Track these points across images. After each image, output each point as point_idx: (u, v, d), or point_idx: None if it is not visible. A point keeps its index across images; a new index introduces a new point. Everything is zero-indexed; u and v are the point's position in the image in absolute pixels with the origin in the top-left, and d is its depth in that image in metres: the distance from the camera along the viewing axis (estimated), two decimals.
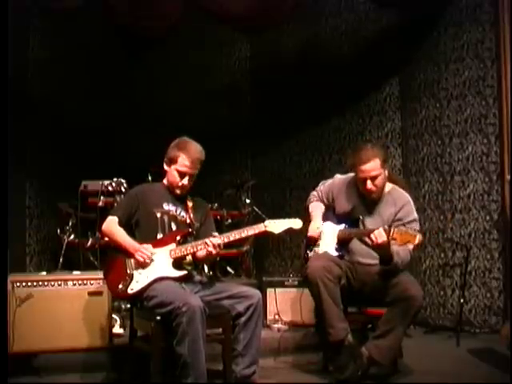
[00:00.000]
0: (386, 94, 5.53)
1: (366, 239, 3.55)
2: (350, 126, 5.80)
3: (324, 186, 3.98)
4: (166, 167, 3.50)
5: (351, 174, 3.86)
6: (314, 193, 4.02)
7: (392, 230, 3.36)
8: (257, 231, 3.37)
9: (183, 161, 3.40)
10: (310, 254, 3.76)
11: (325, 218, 3.85)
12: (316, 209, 3.92)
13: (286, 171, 6.35)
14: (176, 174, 3.44)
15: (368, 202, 3.73)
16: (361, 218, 3.68)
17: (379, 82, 5.54)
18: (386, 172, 3.67)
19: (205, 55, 6.49)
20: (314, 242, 3.78)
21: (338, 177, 3.99)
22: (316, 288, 3.48)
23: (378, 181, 3.62)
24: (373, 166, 3.58)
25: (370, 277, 3.64)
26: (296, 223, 3.40)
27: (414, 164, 5.24)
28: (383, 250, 3.47)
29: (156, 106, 6.23)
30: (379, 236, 3.38)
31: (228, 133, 6.36)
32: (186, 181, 3.43)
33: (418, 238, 3.30)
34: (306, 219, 3.82)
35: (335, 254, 3.69)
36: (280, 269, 6.14)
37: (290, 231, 3.40)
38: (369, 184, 3.61)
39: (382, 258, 3.55)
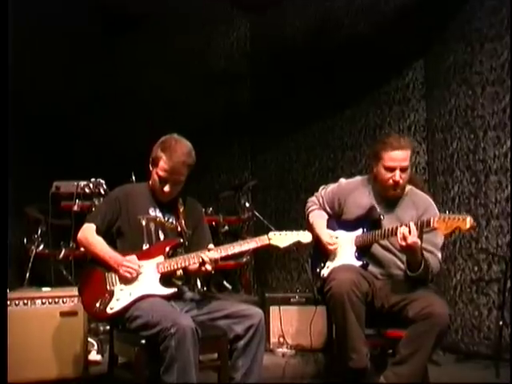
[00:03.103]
0: (408, 80, 5.50)
1: (393, 240, 3.55)
2: (366, 117, 5.78)
3: (326, 192, 3.99)
4: (150, 167, 3.48)
5: (358, 177, 3.92)
6: (313, 199, 4.03)
7: (432, 220, 3.34)
8: (259, 244, 3.37)
9: (163, 164, 3.38)
10: (323, 271, 3.74)
11: (328, 227, 3.87)
12: (318, 218, 3.92)
13: (292, 170, 6.34)
14: (156, 179, 3.43)
15: (385, 204, 3.74)
16: (381, 216, 3.67)
17: (400, 66, 5.52)
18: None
19: (197, 36, 6.48)
20: (327, 255, 3.76)
21: (344, 181, 4.00)
22: (341, 305, 3.44)
23: (406, 175, 3.65)
24: (404, 156, 3.62)
25: (391, 290, 3.62)
26: (305, 236, 3.41)
27: (442, 162, 5.21)
28: (413, 251, 3.44)
29: (141, 96, 6.24)
30: (410, 231, 3.36)
31: (225, 126, 6.37)
32: (167, 188, 3.41)
33: (469, 221, 3.25)
34: (308, 230, 3.82)
35: (358, 263, 3.68)
36: (285, 283, 6.13)
37: (297, 245, 3.40)
38: (397, 175, 3.62)
39: (411, 263, 3.52)
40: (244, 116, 6.45)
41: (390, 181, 3.64)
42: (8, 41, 3.22)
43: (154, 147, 3.46)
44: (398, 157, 3.62)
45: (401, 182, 3.64)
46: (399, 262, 3.66)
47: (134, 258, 3.34)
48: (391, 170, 3.63)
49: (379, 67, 5.50)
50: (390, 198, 3.74)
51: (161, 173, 3.39)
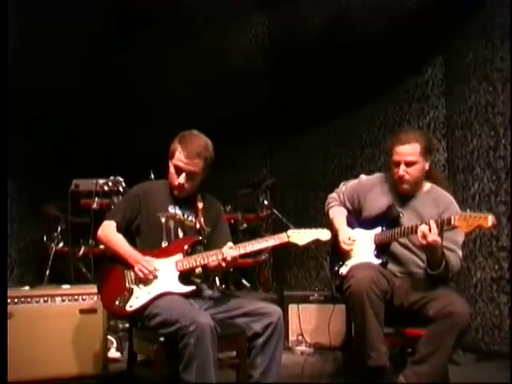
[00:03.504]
0: (427, 77, 5.48)
1: (412, 238, 3.55)
2: (385, 115, 5.77)
3: (347, 188, 3.99)
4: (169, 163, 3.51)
5: (378, 174, 3.92)
6: (334, 195, 4.03)
7: (452, 218, 3.34)
8: (278, 242, 3.38)
9: (179, 154, 3.40)
10: (342, 269, 3.75)
11: (347, 224, 3.87)
12: (338, 215, 3.93)
13: (310, 168, 6.34)
14: (173, 171, 3.45)
15: (404, 201, 3.74)
16: (401, 215, 3.67)
17: (420, 63, 5.49)
18: (427, 166, 3.69)
19: (213, 33, 6.48)
20: (346, 255, 3.77)
21: (364, 177, 4.00)
22: (360, 303, 3.44)
23: (413, 170, 3.65)
24: (410, 150, 3.63)
25: (411, 288, 3.62)
26: (324, 234, 3.41)
27: (462, 159, 5.19)
28: (434, 249, 3.44)
29: (159, 94, 6.25)
30: (430, 228, 3.36)
31: (243, 124, 6.37)
32: (182, 179, 3.42)
33: (491, 219, 3.25)
34: (328, 227, 3.82)
35: (377, 261, 3.68)
36: (304, 281, 6.13)
37: (316, 243, 3.41)
38: (401, 169, 3.64)
39: (431, 261, 3.52)
40: (262, 114, 6.45)
41: (397, 176, 3.67)
42: (7, 37, 3.21)
43: (173, 141, 3.49)
44: (402, 151, 3.64)
45: (406, 177, 3.65)
46: (418, 261, 3.65)
47: (152, 260, 3.36)
48: (397, 164, 3.66)
49: (398, 64, 5.48)
50: (407, 194, 3.74)
51: (176, 162, 3.41)
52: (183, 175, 3.42)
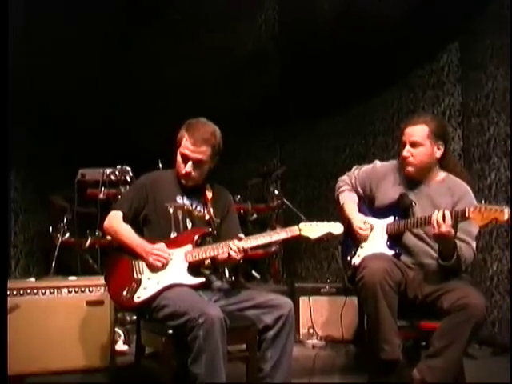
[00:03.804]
0: (443, 63, 5.44)
1: (426, 228, 3.54)
2: (398, 102, 5.74)
3: (360, 172, 3.97)
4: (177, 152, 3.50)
5: (393, 161, 3.90)
6: (345, 178, 4.02)
7: (467, 210, 3.32)
8: (289, 235, 3.37)
9: (186, 142, 3.40)
10: (355, 259, 3.73)
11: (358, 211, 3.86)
12: (349, 200, 3.92)
13: (322, 157, 6.32)
14: (180, 159, 3.44)
15: (418, 190, 3.72)
16: (414, 204, 3.66)
17: (435, 48, 5.46)
18: (437, 152, 3.67)
19: (223, 18, 6.46)
20: (357, 242, 3.76)
21: (379, 163, 3.99)
22: (373, 295, 3.43)
23: (418, 152, 3.64)
24: (416, 131, 3.64)
25: (425, 280, 3.60)
26: (336, 228, 3.40)
27: (478, 148, 5.16)
28: (447, 240, 3.42)
29: (167, 83, 6.23)
30: (444, 218, 3.34)
31: (253, 112, 6.34)
32: (189, 167, 3.41)
33: (507, 212, 3.22)
34: (338, 212, 3.81)
35: (390, 252, 3.66)
36: (315, 273, 6.13)
37: (328, 236, 3.40)
38: (405, 150, 3.66)
39: (443, 252, 3.50)
40: (272, 102, 6.43)
41: (401, 157, 3.69)
42: (7, 26, 3.21)
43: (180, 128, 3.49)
44: (409, 132, 3.67)
45: (410, 158, 3.66)
46: (432, 251, 3.63)
47: (163, 245, 3.36)
48: (404, 145, 3.68)
49: (412, 50, 5.44)
50: (416, 180, 3.72)
51: (183, 150, 3.41)
52: (190, 163, 3.41)
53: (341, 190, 3.99)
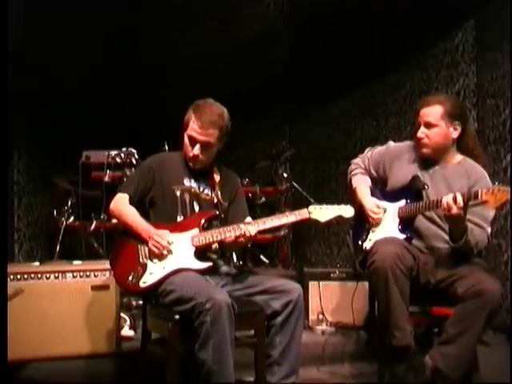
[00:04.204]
0: (457, 42, 5.40)
1: (438, 211, 3.53)
2: (411, 82, 5.71)
3: (373, 153, 3.97)
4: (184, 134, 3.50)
5: (408, 142, 3.90)
6: (358, 161, 4.01)
7: (480, 192, 3.30)
8: (299, 218, 3.36)
9: (193, 124, 3.40)
10: (366, 243, 3.73)
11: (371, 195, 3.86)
12: (362, 184, 3.91)
13: (332, 139, 6.32)
14: (187, 141, 3.45)
15: (433, 172, 3.72)
16: (426, 187, 3.66)
17: (449, 27, 5.42)
18: (453, 133, 3.65)
19: None
20: (369, 226, 3.76)
21: (393, 144, 3.98)
22: (384, 280, 3.43)
23: (433, 133, 3.64)
24: (430, 112, 3.64)
25: (437, 265, 3.60)
26: (347, 211, 3.39)
27: (493, 129, 5.14)
28: (456, 221, 3.42)
29: (173, 62, 6.21)
30: (455, 201, 3.33)
31: (261, 93, 6.33)
32: (196, 150, 3.42)
33: None
34: (350, 196, 3.81)
35: (401, 236, 3.66)
36: (325, 258, 6.14)
37: (338, 219, 3.40)
38: (420, 131, 3.66)
39: (453, 233, 3.50)
40: (281, 82, 6.41)
41: (416, 138, 3.70)
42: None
43: (188, 110, 3.48)
44: (423, 112, 3.67)
45: (425, 140, 3.65)
46: (444, 235, 3.61)
47: (166, 233, 3.36)
48: (419, 126, 3.68)
49: (426, 28, 5.39)
50: (431, 160, 3.72)
51: (190, 133, 3.41)
52: (198, 146, 3.41)
53: (353, 173, 3.98)
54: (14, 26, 4.87)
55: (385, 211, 3.74)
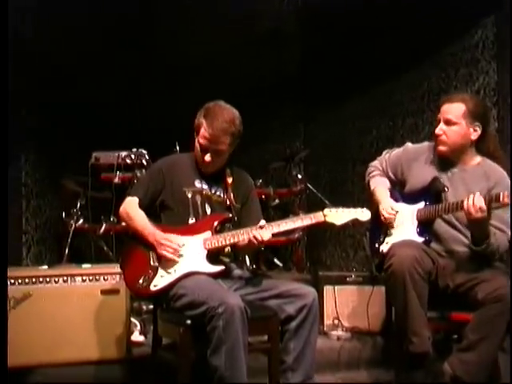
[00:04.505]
0: (477, 39, 5.36)
1: (458, 215, 3.52)
2: (429, 81, 5.67)
3: (391, 156, 3.97)
4: (195, 136, 3.50)
5: (426, 143, 3.89)
6: (376, 163, 4.01)
7: (502, 195, 3.29)
8: (314, 221, 3.35)
9: (204, 132, 3.40)
10: (383, 246, 3.72)
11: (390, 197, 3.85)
12: (380, 185, 3.90)
13: (347, 139, 6.30)
14: (198, 146, 3.45)
15: (452, 174, 3.71)
16: (446, 189, 3.64)
17: (468, 24, 5.39)
18: (473, 134, 3.64)
19: None
20: (386, 228, 3.74)
21: (410, 145, 3.98)
22: (402, 284, 3.41)
23: (452, 131, 3.63)
24: (452, 109, 3.64)
25: (457, 269, 3.58)
26: (363, 214, 3.38)
27: None
28: (480, 225, 3.40)
29: (185, 61, 6.22)
30: (477, 203, 3.31)
31: (274, 91, 6.33)
32: (208, 157, 3.42)
33: None
34: (369, 199, 3.79)
35: (419, 239, 3.65)
36: (340, 261, 6.12)
37: (354, 222, 3.39)
38: (438, 127, 3.66)
39: (476, 237, 3.49)
40: (296, 80, 6.41)
41: (434, 133, 3.69)
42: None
43: (198, 113, 3.47)
44: (444, 109, 3.67)
45: (443, 137, 3.65)
46: (464, 238, 3.61)
47: (173, 236, 3.36)
48: (438, 123, 3.68)
49: (444, 25, 5.37)
50: (449, 160, 3.70)
51: (201, 140, 3.40)
52: (209, 154, 3.42)
53: (372, 174, 3.98)
54: (24, 25, 4.94)
55: (397, 212, 3.73)
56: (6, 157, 3.13)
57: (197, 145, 3.45)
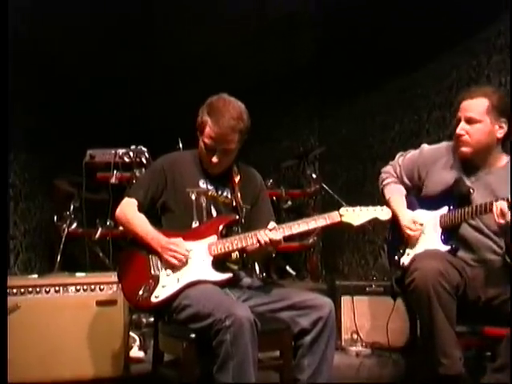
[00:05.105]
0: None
1: (486, 219, 3.49)
2: (458, 70, 5.65)
3: (405, 160, 3.94)
4: (198, 134, 3.50)
5: (444, 143, 3.86)
6: (389, 169, 3.99)
7: None
8: (329, 222, 3.34)
9: (209, 131, 3.39)
10: (403, 259, 3.71)
11: (407, 205, 3.83)
12: (396, 194, 3.88)
13: (367, 135, 6.30)
14: (203, 147, 3.45)
15: (476, 177, 3.67)
16: (471, 190, 3.61)
17: (501, 6, 5.38)
18: (499, 131, 3.60)
19: None
20: (407, 240, 3.73)
21: (427, 147, 3.94)
22: (426, 300, 3.38)
23: (475, 130, 3.58)
24: (473, 106, 3.59)
25: (489, 279, 3.56)
26: (383, 213, 3.38)
27: None
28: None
29: (189, 51, 6.24)
30: (510, 206, 3.29)
31: (287, 84, 6.33)
32: (215, 158, 3.43)
33: None
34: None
35: (445, 248, 3.62)
36: (359, 270, 6.12)
37: (374, 223, 3.39)
38: (459, 127, 3.61)
39: (509, 244, 3.46)
40: (310, 72, 6.41)
41: (455, 134, 3.65)
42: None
43: (200, 109, 3.47)
44: (465, 106, 3.63)
45: (465, 137, 3.60)
46: (494, 245, 3.57)
47: (180, 240, 3.37)
48: (458, 122, 3.64)
49: (475, 7, 5.36)
50: (478, 167, 3.66)
51: (207, 140, 3.40)
52: (216, 154, 3.42)
53: (385, 182, 3.96)
54: (18, 24, 4.98)
55: (421, 224, 3.70)
56: (5, 157, 3.15)
57: (201, 145, 3.45)
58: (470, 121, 3.59)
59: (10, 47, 3.24)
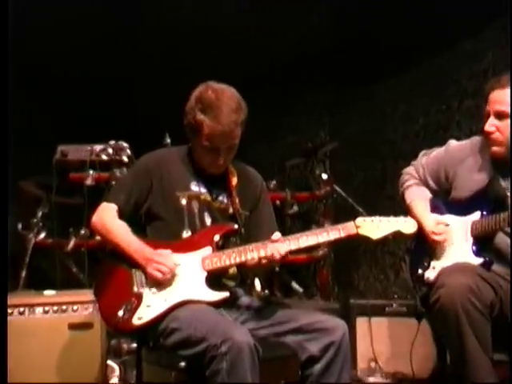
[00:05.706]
0: None
1: None
2: (493, 51, 5.65)
3: (429, 159, 3.97)
4: (189, 135, 3.50)
5: (475, 138, 3.87)
6: (411, 169, 4.02)
7: None
8: (343, 234, 3.33)
9: (209, 131, 3.38)
10: (428, 273, 3.71)
11: (432, 210, 3.85)
12: (419, 198, 3.91)
13: (386, 129, 6.31)
14: (202, 150, 3.45)
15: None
16: (507, 193, 3.63)
17: None
18: None
19: None
20: (432, 250, 3.74)
21: (454, 143, 3.97)
22: (455, 321, 3.39)
23: (506, 126, 3.58)
24: (504, 96, 3.58)
25: None
26: (407, 226, 3.34)
27: None
28: None
29: (181, 31, 6.23)
30: None
31: (294, 71, 6.35)
32: (222, 160, 3.44)
33: None
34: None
35: (477, 260, 3.62)
36: (377, 286, 6.13)
37: (396, 236, 3.36)
38: (488, 123, 3.61)
39: None
40: (320, 57, 6.42)
41: (484, 130, 3.66)
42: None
43: (187, 106, 3.45)
44: (493, 98, 3.62)
45: (496, 134, 3.61)
46: None
47: (167, 252, 3.37)
48: (487, 116, 3.64)
49: None
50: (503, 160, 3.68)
51: (208, 142, 3.39)
52: (221, 155, 3.43)
53: (406, 185, 3.98)
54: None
55: (447, 225, 3.71)
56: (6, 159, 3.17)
57: (199, 148, 3.45)
58: (500, 115, 3.59)
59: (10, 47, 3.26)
